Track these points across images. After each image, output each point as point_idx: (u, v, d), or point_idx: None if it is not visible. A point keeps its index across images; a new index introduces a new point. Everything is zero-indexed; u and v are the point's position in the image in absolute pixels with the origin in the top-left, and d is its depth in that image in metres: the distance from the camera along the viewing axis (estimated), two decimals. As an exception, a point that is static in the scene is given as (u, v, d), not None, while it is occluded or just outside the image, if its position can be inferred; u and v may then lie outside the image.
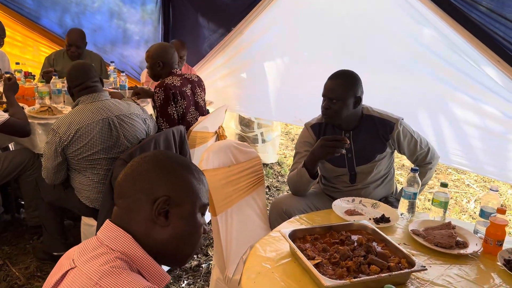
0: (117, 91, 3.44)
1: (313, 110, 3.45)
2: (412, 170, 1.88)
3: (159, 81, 2.91)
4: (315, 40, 3.42)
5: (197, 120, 3.00)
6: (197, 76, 3.12)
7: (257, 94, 4.05)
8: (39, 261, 2.68)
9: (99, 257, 0.88)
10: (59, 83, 3.06)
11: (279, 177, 4.36)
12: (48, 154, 2.28)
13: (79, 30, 4.00)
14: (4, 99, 2.80)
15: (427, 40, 2.78)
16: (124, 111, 2.40)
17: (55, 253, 2.63)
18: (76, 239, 2.87)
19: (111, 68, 3.95)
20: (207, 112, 3.26)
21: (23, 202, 3.30)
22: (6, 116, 2.48)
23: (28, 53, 4.43)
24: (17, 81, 3.06)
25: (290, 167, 4.65)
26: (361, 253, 1.43)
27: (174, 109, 2.85)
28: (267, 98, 3.94)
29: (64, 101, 3.11)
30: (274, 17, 3.60)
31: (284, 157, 5.01)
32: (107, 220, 0.99)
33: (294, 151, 2.38)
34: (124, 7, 4.78)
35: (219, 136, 3.03)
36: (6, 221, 3.03)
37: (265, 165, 4.58)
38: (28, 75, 3.70)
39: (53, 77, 3.11)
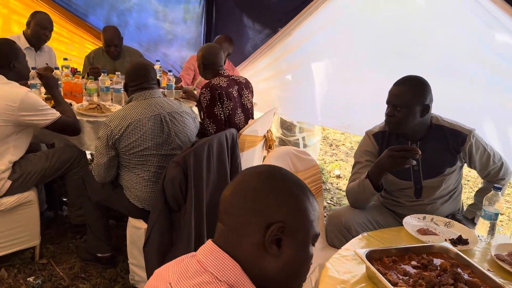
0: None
1: (363, 116, 3.33)
2: (495, 188, 1.71)
3: (206, 82, 2.83)
4: (369, 44, 3.27)
5: (244, 122, 2.90)
6: (245, 78, 3.02)
7: (302, 97, 3.92)
8: (83, 262, 2.63)
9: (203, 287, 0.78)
10: (107, 81, 3.01)
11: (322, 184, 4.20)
12: (100, 149, 2.24)
13: (113, 27, 3.92)
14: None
15: (499, 46, 2.58)
16: (176, 109, 2.35)
17: (99, 255, 2.58)
18: (118, 240, 2.82)
19: (156, 67, 3.90)
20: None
21: (65, 199, 3.29)
22: (57, 114, 2.44)
23: (74, 49, 4.44)
24: (66, 77, 3.05)
25: (330, 173, 4.53)
26: (448, 280, 1.29)
27: (221, 110, 2.76)
28: (313, 102, 3.81)
29: (112, 99, 3.06)
30: (325, 19, 3.47)
31: (324, 163, 4.86)
32: (210, 240, 0.88)
33: (354, 160, 2.24)
34: (169, 5, 4.74)
35: (268, 140, 2.92)
36: (49, 218, 3.01)
37: (307, 171, 4.44)
38: (75, 71, 3.69)
39: (102, 74, 3.06)
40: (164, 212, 2.15)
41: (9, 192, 2.38)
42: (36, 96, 2.39)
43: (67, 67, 3.38)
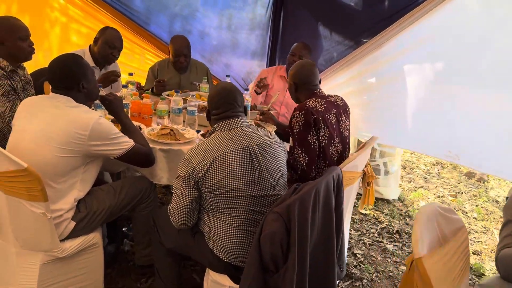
0: None
1: (479, 147, 2.80)
2: None
3: (300, 104, 2.38)
4: (486, 62, 2.74)
5: (339, 154, 2.44)
6: (342, 99, 2.56)
7: (391, 118, 3.41)
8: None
9: None
10: (180, 101, 2.62)
11: (407, 219, 3.68)
12: (181, 189, 1.85)
13: (183, 36, 3.59)
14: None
15: None
16: (265, 139, 1.95)
17: (169, 306, 2.18)
18: (186, 285, 2.43)
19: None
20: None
21: (126, 230, 2.94)
22: (131, 143, 2.07)
23: (134, 61, 4.13)
24: (134, 96, 2.69)
25: (413, 204, 3.98)
26: None
27: (315, 138, 2.31)
28: (405, 125, 3.30)
29: (184, 121, 2.67)
30: (430, 31, 2.95)
31: (403, 190, 4.31)
32: None
33: (505, 217, 1.74)
34: (234, 11, 4.36)
35: (367, 176, 2.44)
36: (110, 254, 2.64)
37: (387, 201, 3.92)
38: (139, 87, 3.35)
39: (175, 93, 2.68)
40: (259, 273, 1.72)
41: (72, 234, 2.02)
42: (107, 122, 2.03)
43: (133, 83, 3.02)
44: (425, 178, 4.81)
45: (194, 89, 3.56)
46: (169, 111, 2.66)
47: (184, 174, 1.82)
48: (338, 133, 2.44)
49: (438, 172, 5.10)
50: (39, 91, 2.91)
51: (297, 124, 2.31)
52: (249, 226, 1.87)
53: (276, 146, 1.99)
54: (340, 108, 2.49)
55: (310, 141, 2.31)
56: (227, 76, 3.51)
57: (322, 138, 2.33)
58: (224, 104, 1.96)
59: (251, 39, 4.55)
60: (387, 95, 3.39)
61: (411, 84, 3.19)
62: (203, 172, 1.79)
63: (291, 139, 2.50)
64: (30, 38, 2.48)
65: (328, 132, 2.35)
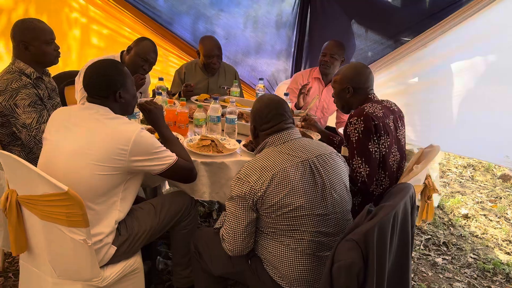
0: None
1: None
2: None
3: (357, 109, 2.17)
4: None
5: (397, 164, 2.22)
6: (395, 104, 2.34)
7: (439, 122, 3.19)
8: None
9: None
10: (219, 109, 2.42)
11: (451, 228, 3.45)
12: (235, 213, 1.66)
13: (212, 36, 3.41)
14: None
15: None
16: (324, 150, 1.76)
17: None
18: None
19: (259, 87, 3.29)
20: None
21: (160, 247, 2.74)
22: (173, 157, 1.87)
23: (158, 63, 3.88)
24: (170, 104, 2.48)
25: (453, 211, 3.75)
26: None
27: (377, 146, 2.10)
28: (456, 129, 3.08)
29: (223, 130, 2.47)
30: (486, 28, 2.73)
31: (441, 196, 4.09)
32: None
33: None
34: (259, 9, 4.15)
35: (429, 189, 2.23)
36: (145, 273, 2.43)
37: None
38: (168, 93, 3.14)
39: (213, 100, 2.47)
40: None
41: (113, 260, 1.82)
42: (149, 135, 1.82)
43: (164, 89, 2.81)
44: (460, 182, 4.58)
45: (223, 93, 3.36)
46: (206, 120, 2.46)
47: (240, 194, 1.62)
48: (396, 141, 2.22)
49: (471, 175, 4.87)
50: (61, 98, 2.71)
51: (356, 131, 2.10)
52: (316, 250, 1.67)
53: (335, 156, 1.79)
54: (396, 114, 2.28)
55: (371, 149, 2.09)
56: (260, 79, 3.30)
57: (383, 146, 2.12)
58: (275, 117, 1.78)
59: (276, 39, 4.35)
60: (433, 98, 3.17)
61: (460, 86, 2.96)
62: (262, 190, 1.59)
63: (344, 148, 2.29)
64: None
65: (389, 139, 2.14)
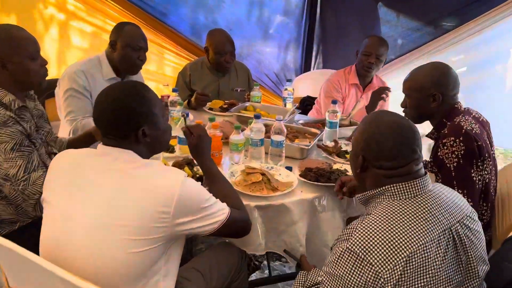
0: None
1: None
2: None
3: (451, 126, 1.68)
4: None
5: (494, 190, 1.77)
6: (477, 112, 1.88)
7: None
8: None
9: None
10: (263, 130, 1.88)
11: None
12: None
13: (222, 29, 2.88)
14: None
15: None
16: (465, 209, 1.22)
17: None
18: None
19: (289, 90, 2.74)
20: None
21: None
22: (226, 210, 1.34)
23: (151, 62, 3.31)
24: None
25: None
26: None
27: (480, 174, 1.64)
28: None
29: (267, 153, 1.93)
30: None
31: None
32: None
33: None
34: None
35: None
36: None
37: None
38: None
39: (253, 119, 1.94)
40: None
41: None
42: (195, 184, 1.29)
43: (181, 103, 2.23)
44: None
45: (240, 98, 2.82)
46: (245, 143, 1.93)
47: (359, 282, 1.08)
48: (494, 162, 1.77)
49: None
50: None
51: (454, 155, 1.62)
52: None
53: (475, 215, 1.26)
54: (486, 126, 1.82)
55: (474, 178, 1.63)
56: (288, 81, 2.76)
57: (486, 172, 1.66)
58: (405, 153, 1.20)
59: (284, 29, 3.81)
60: (487, 92, 2.74)
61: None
62: (394, 279, 1.05)
63: (430, 175, 1.80)
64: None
65: (490, 162, 1.68)
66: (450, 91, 1.74)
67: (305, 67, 4.01)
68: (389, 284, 1.04)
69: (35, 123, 1.74)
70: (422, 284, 1.06)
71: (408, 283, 1.05)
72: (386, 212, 1.14)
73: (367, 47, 2.74)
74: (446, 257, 1.11)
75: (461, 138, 1.61)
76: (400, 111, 1.70)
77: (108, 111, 1.26)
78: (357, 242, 1.09)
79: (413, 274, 1.06)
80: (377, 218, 1.13)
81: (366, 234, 1.09)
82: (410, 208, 1.14)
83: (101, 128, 1.30)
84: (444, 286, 1.10)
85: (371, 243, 1.08)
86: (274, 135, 1.89)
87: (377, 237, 1.08)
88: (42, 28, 2.86)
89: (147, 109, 1.30)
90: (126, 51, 2.27)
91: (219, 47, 2.75)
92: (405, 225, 1.10)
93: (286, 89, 2.72)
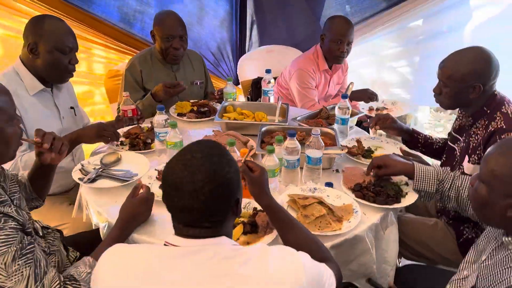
0: None
1: None
2: None
3: (505, 118, 1.60)
4: None
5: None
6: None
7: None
8: None
9: None
10: (299, 149, 1.60)
11: None
12: None
13: (170, 11, 2.44)
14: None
15: None
16: None
17: None
18: None
19: (273, 83, 2.43)
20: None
21: None
22: (330, 272, 1.08)
23: (81, 61, 2.66)
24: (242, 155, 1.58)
25: None
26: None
27: None
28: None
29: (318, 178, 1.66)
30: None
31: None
32: None
33: None
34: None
35: None
36: None
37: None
38: (139, 116, 2.13)
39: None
40: None
41: None
42: (308, 258, 1.02)
43: (174, 125, 1.79)
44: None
45: (199, 93, 2.54)
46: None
47: None
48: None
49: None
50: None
51: None
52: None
53: None
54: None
55: None
56: (267, 71, 2.43)
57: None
58: None
59: (218, 5, 3.41)
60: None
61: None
62: None
63: (474, 166, 1.72)
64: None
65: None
66: (491, 80, 1.65)
67: (241, 44, 3.69)
68: None
69: (9, 197, 1.23)
70: None
71: None
72: None
73: (337, 34, 2.55)
74: None
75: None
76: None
77: (205, 193, 0.91)
78: None
79: None
80: None
81: None
82: None
83: (185, 217, 0.94)
84: None
85: None
86: (308, 151, 1.64)
87: None
88: None
89: (237, 171, 0.98)
90: (54, 55, 1.79)
91: (167, 31, 2.31)
92: None
93: (269, 82, 2.41)
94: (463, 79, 1.63)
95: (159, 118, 1.83)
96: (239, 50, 3.71)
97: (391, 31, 2.93)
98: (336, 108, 2.04)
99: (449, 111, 4.48)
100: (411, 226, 1.82)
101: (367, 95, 2.57)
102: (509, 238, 1.11)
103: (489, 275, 1.14)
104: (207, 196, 0.91)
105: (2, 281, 1.05)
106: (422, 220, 1.89)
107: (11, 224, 1.09)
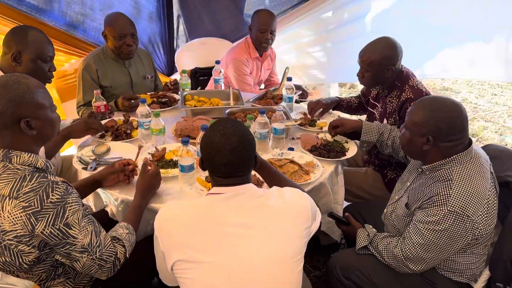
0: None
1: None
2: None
3: (411, 89, 2.15)
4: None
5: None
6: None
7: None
8: None
9: None
10: (267, 123, 2.03)
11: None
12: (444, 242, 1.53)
13: (118, 12, 2.70)
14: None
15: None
16: (486, 151, 1.76)
17: None
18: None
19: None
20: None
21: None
22: (305, 194, 1.56)
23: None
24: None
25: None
26: None
27: None
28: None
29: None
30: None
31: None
32: None
33: None
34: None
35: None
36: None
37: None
38: (109, 110, 2.40)
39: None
40: None
41: None
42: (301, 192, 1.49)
43: (155, 114, 2.10)
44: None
45: (150, 86, 2.86)
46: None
47: (458, 231, 1.50)
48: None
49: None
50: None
51: None
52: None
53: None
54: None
55: None
56: (217, 62, 2.80)
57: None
58: (464, 127, 1.56)
59: (148, 1, 3.64)
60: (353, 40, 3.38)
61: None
62: (482, 224, 1.52)
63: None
64: None
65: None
66: (399, 61, 2.20)
67: (169, 38, 3.95)
68: (480, 226, 1.50)
69: None
70: (493, 220, 1.56)
71: (489, 222, 1.53)
72: (468, 174, 1.53)
73: (261, 24, 3.00)
74: (495, 195, 1.60)
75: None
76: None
77: (239, 150, 1.29)
78: (456, 204, 1.47)
79: (490, 215, 1.53)
80: (464, 181, 1.51)
81: (462, 196, 1.48)
82: (477, 167, 1.56)
83: (227, 169, 1.31)
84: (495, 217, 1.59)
85: (466, 201, 1.47)
86: (274, 124, 2.10)
87: (470, 195, 1.48)
88: None
89: (253, 136, 1.41)
90: (36, 64, 2.02)
91: (119, 30, 2.54)
92: (478, 181, 1.52)
93: (220, 72, 2.79)
94: (379, 63, 2.14)
95: (143, 110, 2.14)
96: (168, 43, 3.97)
97: (306, 22, 3.46)
98: (284, 89, 2.51)
99: (348, 85, 5.34)
100: (348, 175, 2.35)
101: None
102: (425, 166, 1.68)
103: (415, 193, 1.66)
104: (241, 152, 1.29)
105: (76, 234, 1.33)
106: (356, 170, 2.49)
107: (74, 190, 1.38)
